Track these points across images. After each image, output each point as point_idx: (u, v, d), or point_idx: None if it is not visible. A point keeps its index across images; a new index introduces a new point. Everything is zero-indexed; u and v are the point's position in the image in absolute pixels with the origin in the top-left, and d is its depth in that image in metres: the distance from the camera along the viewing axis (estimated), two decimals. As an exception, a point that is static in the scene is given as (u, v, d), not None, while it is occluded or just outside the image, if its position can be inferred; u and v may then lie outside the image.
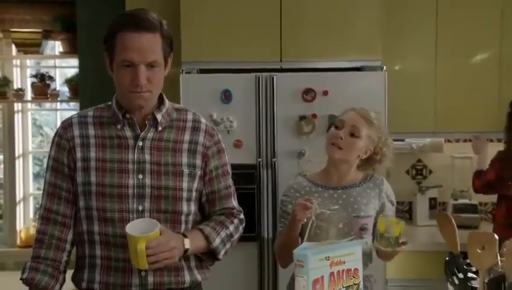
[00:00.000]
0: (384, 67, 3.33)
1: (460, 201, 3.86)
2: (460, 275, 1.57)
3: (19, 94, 4.40)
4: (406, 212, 4.08)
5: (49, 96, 4.35)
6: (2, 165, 4.67)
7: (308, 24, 3.40)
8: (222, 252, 2.13)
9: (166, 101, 2.12)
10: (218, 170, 2.16)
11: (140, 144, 2.04)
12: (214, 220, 2.15)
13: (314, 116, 3.28)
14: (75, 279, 2.08)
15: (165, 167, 2.04)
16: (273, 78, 3.28)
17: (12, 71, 4.56)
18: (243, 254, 3.31)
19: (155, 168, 2.03)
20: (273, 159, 3.29)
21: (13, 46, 4.44)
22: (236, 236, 2.19)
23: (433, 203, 3.93)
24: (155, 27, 1.96)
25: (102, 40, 2.03)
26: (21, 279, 2.03)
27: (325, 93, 3.28)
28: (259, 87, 3.28)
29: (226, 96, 3.27)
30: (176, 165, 2.05)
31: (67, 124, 2.07)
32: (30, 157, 4.76)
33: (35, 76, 4.37)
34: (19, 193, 4.64)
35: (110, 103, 2.09)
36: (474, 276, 1.57)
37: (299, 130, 3.28)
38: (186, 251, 2.00)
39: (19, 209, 4.63)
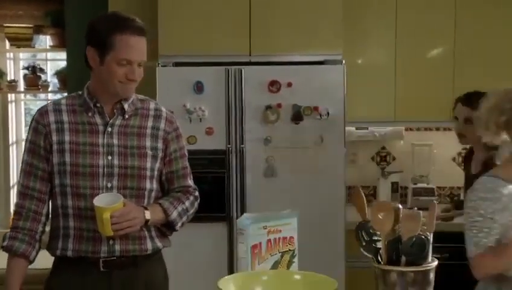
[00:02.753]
0: (344, 61, 3.62)
1: (419, 185, 4.16)
2: (366, 237, 1.88)
3: (12, 85, 4.69)
4: (371, 195, 4.38)
5: (40, 87, 4.65)
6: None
7: (276, 20, 3.69)
8: (179, 224, 2.42)
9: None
10: (177, 152, 2.45)
11: (109, 129, 2.32)
12: (172, 196, 2.43)
13: (279, 105, 3.58)
14: (50, 247, 2.34)
15: (131, 149, 2.32)
16: (241, 70, 3.58)
17: (6, 64, 4.84)
18: (214, 233, 3.61)
19: (122, 150, 2.31)
20: (241, 146, 3.59)
21: (6, 41, 4.73)
22: (191, 211, 2.47)
23: (395, 187, 4.24)
24: (145, 32, 2.29)
25: (89, 36, 2.30)
26: (1, 247, 2.33)
27: (289, 85, 3.58)
28: (229, 79, 3.58)
29: (198, 88, 3.57)
30: (140, 148, 2.34)
31: (43, 111, 2.34)
32: (23, 144, 5.04)
33: (27, 68, 4.67)
34: (13, 178, 4.94)
35: (80, 92, 2.38)
36: (379, 238, 1.88)
37: (266, 119, 3.58)
38: (147, 221, 2.28)
39: (12, 193, 4.93)
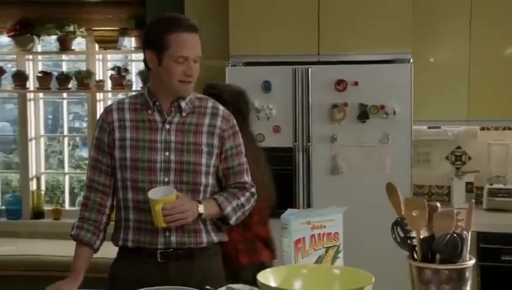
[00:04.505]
0: (411, 59, 3.60)
1: (495, 186, 4.05)
2: (402, 234, 1.90)
3: (100, 85, 4.96)
4: (445, 195, 4.31)
5: (124, 86, 4.89)
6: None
7: (345, 20, 3.73)
8: (233, 219, 2.50)
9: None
10: (233, 149, 2.53)
11: (167, 126, 2.45)
12: (228, 191, 2.52)
13: (345, 104, 3.61)
14: (113, 238, 2.49)
15: (187, 145, 2.44)
16: (308, 70, 3.64)
17: (95, 65, 5.13)
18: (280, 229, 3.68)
19: (179, 146, 2.43)
20: (308, 143, 3.65)
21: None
22: (247, 207, 2.55)
23: (469, 187, 4.15)
24: (197, 28, 2.42)
25: (146, 39, 2.46)
26: (70, 235, 2.51)
27: (356, 83, 3.61)
28: (296, 78, 3.65)
29: (266, 87, 3.67)
30: (196, 144, 2.45)
31: (108, 110, 2.51)
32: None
33: (113, 69, 4.93)
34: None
35: (142, 92, 2.53)
36: (414, 235, 1.89)
37: (332, 117, 3.63)
38: (200, 215, 2.39)
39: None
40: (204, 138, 2.47)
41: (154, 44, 2.41)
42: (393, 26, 3.68)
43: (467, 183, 4.16)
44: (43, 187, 5.22)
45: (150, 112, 2.47)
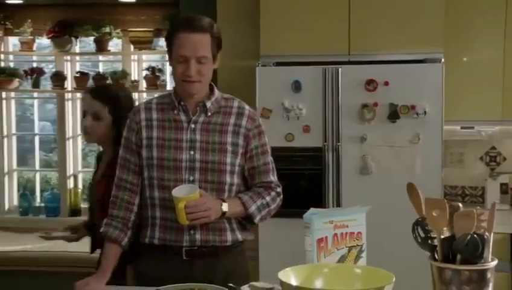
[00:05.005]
0: (443, 59, 3.56)
1: (531, 187, 3.99)
2: (422, 234, 1.89)
3: (135, 85, 5.04)
4: (479, 196, 4.25)
5: (158, 86, 4.96)
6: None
7: (376, 20, 3.71)
8: (257, 218, 2.51)
9: (216, 92, 2.54)
10: (258, 149, 2.54)
11: (193, 126, 2.48)
12: (253, 191, 2.53)
13: (375, 104, 3.59)
14: (140, 235, 2.54)
15: (212, 145, 2.46)
16: (338, 70, 3.63)
17: (131, 65, 5.21)
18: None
19: (204, 145, 2.46)
20: (338, 143, 3.65)
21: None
22: (273, 206, 2.56)
23: (504, 189, 4.09)
24: (205, 28, 2.40)
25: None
26: (99, 232, 2.57)
27: (386, 83, 3.58)
28: (326, 78, 3.65)
29: (296, 87, 3.67)
30: (221, 143, 2.47)
31: (136, 110, 2.56)
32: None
33: (147, 69, 5.00)
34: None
35: (170, 92, 2.57)
36: (435, 235, 1.88)
37: (362, 117, 3.61)
38: (224, 213, 2.41)
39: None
40: (229, 137, 2.49)
41: (167, 45, 2.47)
42: (425, 25, 3.65)
43: (502, 185, 4.10)
44: (80, 185, 5.32)
45: (175, 111, 2.50)
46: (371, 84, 3.59)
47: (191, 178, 2.44)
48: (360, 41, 3.71)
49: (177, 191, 2.35)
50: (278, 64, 3.77)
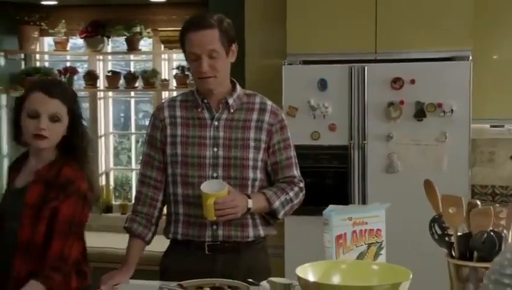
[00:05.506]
0: (470, 57, 3.53)
1: None
2: (439, 231, 1.89)
3: (165, 84, 5.10)
4: (509, 196, 4.20)
5: (187, 85, 5.01)
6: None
7: (403, 18, 3.70)
8: (281, 213, 2.53)
9: (238, 88, 2.57)
10: (280, 143, 2.56)
11: (216, 123, 2.50)
12: (277, 186, 2.55)
13: (401, 102, 3.58)
14: (165, 231, 2.58)
15: (235, 141, 2.49)
16: (364, 68, 3.63)
17: (161, 64, 5.28)
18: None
19: (227, 142, 2.48)
20: (364, 142, 3.65)
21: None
22: (296, 201, 2.57)
23: (534, 188, 4.04)
24: (211, 24, 2.43)
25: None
26: (123, 227, 2.61)
27: (412, 82, 3.57)
28: (352, 76, 3.65)
29: (322, 85, 3.69)
30: (244, 139, 2.49)
31: (160, 107, 2.60)
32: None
33: (177, 68, 5.06)
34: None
35: (193, 89, 2.61)
36: (452, 232, 1.87)
37: (388, 115, 3.61)
38: (249, 209, 2.44)
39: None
40: (252, 133, 2.51)
41: (181, 46, 2.52)
42: (454, 23, 3.63)
43: (532, 184, 4.04)
44: (111, 183, 5.41)
45: (199, 109, 2.53)
46: (397, 83, 3.59)
47: (215, 174, 2.47)
48: (387, 39, 3.70)
49: (206, 187, 2.37)
50: (304, 62, 3.79)
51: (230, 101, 2.52)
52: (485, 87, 3.70)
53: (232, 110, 2.53)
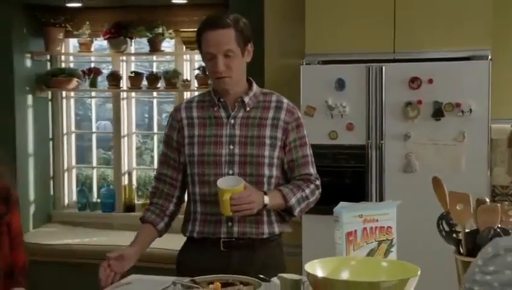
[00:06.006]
0: (490, 56, 3.52)
1: None
2: (447, 228, 1.89)
3: (186, 84, 5.16)
4: (531, 196, 4.17)
5: (209, 85, 5.05)
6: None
7: (421, 17, 3.70)
8: (297, 210, 2.55)
9: (254, 87, 2.60)
10: (296, 141, 2.58)
11: (232, 121, 2.54)
12: (293, 183, 2.57)
13: (419, 102, 3.58)
14: (183, 229, 2.62)
15: (251, 139, 2.52)
16: (382, 68, 3.64)
17: (183, 65, 5.34)
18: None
19: (243, 140, 2.52)
20: (381, 141, 3.65)
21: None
22: (312, 199, 2.59)
23: (558, 188, 3.99)
24: (227, 24, 2.46)
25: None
26: (139, 219, 2.66)
27: (430, 81, 3.57)
28: (370, 76, 3.66)
29: (340, 85, 3.70)
30: (260, 137, 2.52)
31: (177, 108, 2.64)
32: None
33: (198, 68, 5.11)
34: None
35: (210, 89, 2.65)
36: (459, 229, 1.88)
37: (405, 115, 3.61)
38: (265, 205, 2.46)
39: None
40: (267, 130, 2.54)
41: (197, 47, 2.56)
42: (473, 22, 3.61)
43: (555, 184, 4.00)
44: (134, 182, 5.48)
45: (215, 108, 2.57)
46: (414, 82, 3.59)
47: (230, 172, 2.50)
48: (405, 39, 3.70)
49: (222, 183, 2.40)
50: (323, 62, 3.81)
51: (246, 99, 2.56)
52: (505, 87, 3.68)
53: (248, 109, 2.56)
